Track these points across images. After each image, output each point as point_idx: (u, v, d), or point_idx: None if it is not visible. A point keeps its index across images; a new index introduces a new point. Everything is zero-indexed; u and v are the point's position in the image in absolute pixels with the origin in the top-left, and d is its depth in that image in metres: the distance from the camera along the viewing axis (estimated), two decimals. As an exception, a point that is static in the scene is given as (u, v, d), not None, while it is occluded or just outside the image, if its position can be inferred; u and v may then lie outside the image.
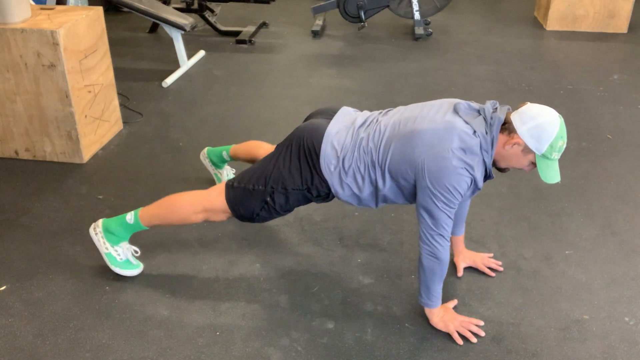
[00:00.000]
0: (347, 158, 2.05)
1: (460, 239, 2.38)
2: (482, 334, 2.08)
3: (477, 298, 2.25)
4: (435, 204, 1.91)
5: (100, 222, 2.29)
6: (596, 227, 2.69)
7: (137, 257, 2.37)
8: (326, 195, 2.12)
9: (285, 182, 2.10)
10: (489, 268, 2.38)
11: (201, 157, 2.88)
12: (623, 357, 2.01)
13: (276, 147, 2.20)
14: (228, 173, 2.89)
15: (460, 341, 2.05)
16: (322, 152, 2.07)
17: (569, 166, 3.18)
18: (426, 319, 2.13)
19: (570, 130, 3.56)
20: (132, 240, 2.41)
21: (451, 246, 2.40)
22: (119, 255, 2.29)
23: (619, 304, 2.23)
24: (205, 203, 2.19)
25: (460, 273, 2.36)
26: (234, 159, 2.76)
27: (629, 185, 3.02)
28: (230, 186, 2.18)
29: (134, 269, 2.33)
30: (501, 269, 2.39)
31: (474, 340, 2.05)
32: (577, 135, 3.52)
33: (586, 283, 2.34)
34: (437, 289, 2.05)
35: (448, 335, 2.07)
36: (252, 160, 2.65)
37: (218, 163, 2.83)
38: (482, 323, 2.11)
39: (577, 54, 4.93)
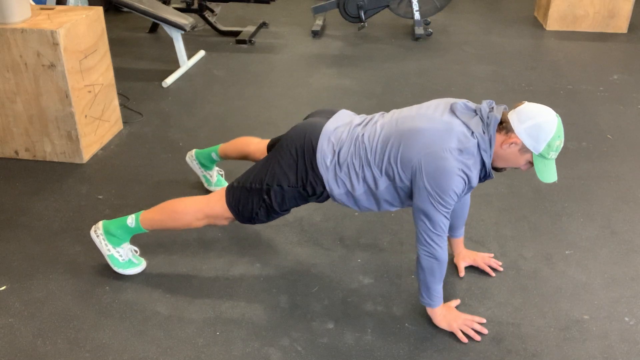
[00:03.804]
0: (342, 152, 2.05)
1: (459, 241, 2.38)
2: (485, 331, 2.08)
3: (477, 298, 2.25)
4: (432, 205, 1.91)
5: (100, 224, 2.29)
6: (596, 227, 2.69)
7: (137, 255, 2.37)
8: (321, 193, 2.11)
9: (281, 179, 2.10)
10: (490, 267, 2.38)
11: (187, 159, 2.84)
12: (623, 357, 2.01)
13: (274, 146, 2.19)
14: (217, 174, 2.87)
15: (464, 339, 2.05)
16: (319, 147, 2.07)
17: (569, 166, 3.18)
18: (426, 319, 2.13)
19: (571, 130, 3.56)
20: (132, 240, 2.41)
21: (451, 247, 2.41)
22: (121, 256, 2.30)
23: (619, 304, 2.23)
24: (206, 209, 2.20)
25: (462, 273, 2.35)
26: (224, 159, 2.73)
27: (629, 185, 3.02)
28: (230, 187, 2.19)
29: (137, 267, 2.34)
30: (501, 269, 2.39)
31: (478, 338, 2.06)
32: (577, 135, 3.52)
33: (586, 283, 2.34)
34: (438, 289, 2.06)
35: (448, 335, 2.08)
36: (243, 158, 2.63)
37: (207, 164, 2.80)
38: (484, 321, 2.12)
39: (577, 54, 4.93)
